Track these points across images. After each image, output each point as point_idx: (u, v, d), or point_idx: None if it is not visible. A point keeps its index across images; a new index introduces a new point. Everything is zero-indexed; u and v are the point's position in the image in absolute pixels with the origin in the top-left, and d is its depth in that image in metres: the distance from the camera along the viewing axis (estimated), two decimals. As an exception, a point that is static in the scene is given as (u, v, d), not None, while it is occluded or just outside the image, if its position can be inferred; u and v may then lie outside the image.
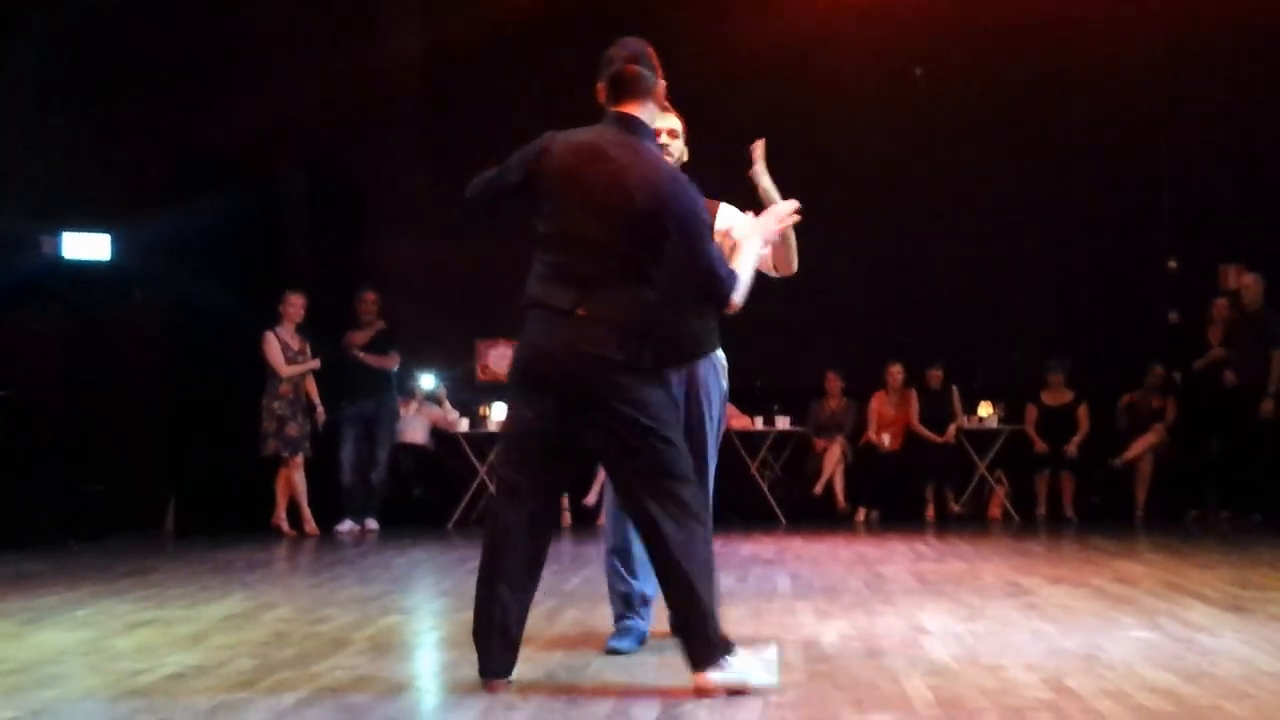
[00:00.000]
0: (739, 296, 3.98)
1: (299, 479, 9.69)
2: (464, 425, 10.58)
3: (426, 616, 5.71)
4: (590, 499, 10.01)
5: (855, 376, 10.98)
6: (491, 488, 10.33)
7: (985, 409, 10.91)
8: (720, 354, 4.69)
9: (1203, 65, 11.00)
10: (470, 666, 4.04)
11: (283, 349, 9.66)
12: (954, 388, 10.89)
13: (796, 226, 4.35)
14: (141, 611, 5.61)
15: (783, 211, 4.22)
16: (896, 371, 10.84)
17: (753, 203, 4.49)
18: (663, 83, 4.10)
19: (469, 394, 11.04)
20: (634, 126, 4.00)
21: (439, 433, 10.79)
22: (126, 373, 9.87)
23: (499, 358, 11.42)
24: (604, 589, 4.75)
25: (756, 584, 6.35)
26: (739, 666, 3.83)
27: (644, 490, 3.87)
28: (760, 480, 10.72)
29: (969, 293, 11.07)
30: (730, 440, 10.18)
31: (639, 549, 4.62)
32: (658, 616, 4.73)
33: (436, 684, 4.24)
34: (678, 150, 4.56)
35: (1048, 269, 11.19)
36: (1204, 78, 11.02)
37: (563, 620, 5.24)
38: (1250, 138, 10.86)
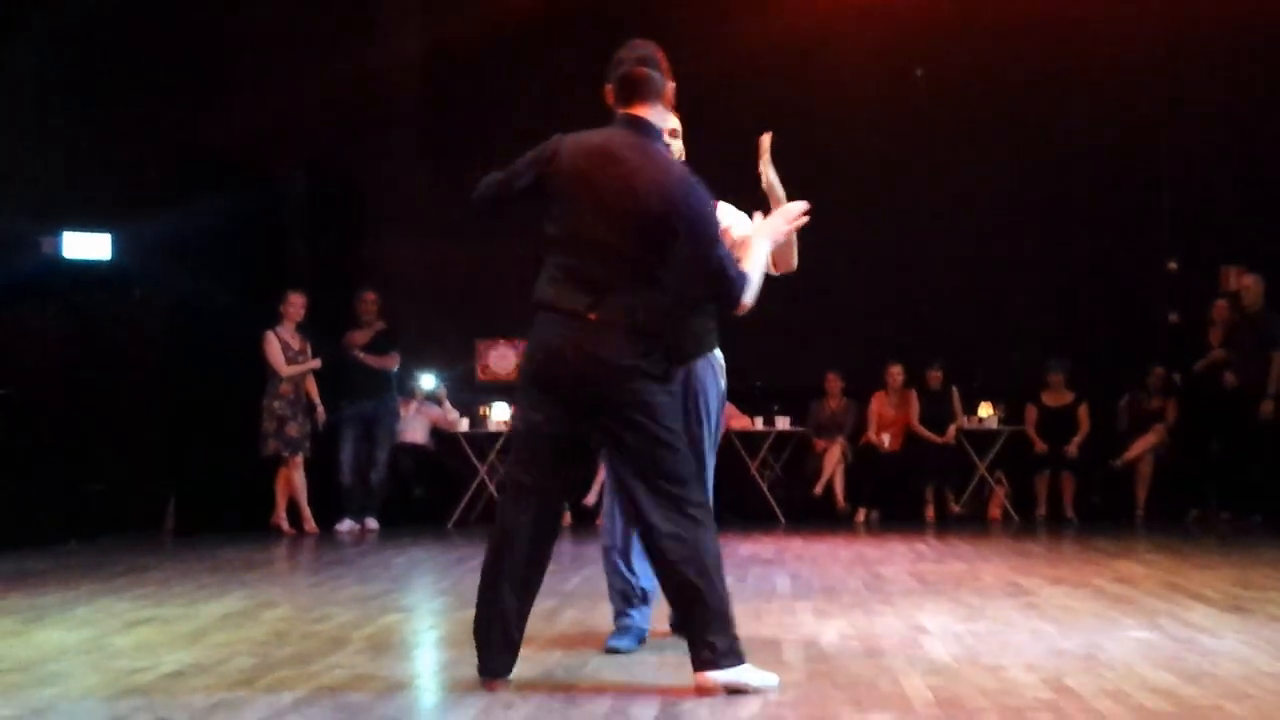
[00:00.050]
0: (749, 297, 3.98)
1: (299, 478, 9.69)
2: (464, 425, 10.58)
3: (426, 615, 5.71)
4: (590, 499, 10.01)
5: (855, 377, 10.97)
6: (491, 487, 10.38)
7: (985, 409, 10.91)
8: (718, 353, 4.69)
9: (1203, 65, 11.00)
10: (469, 665, 4.04)
11: (283, 349, 9.66)
12: (954, 388, 10.89)
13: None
14: (141, 610, 5.61)
15: (793, 212, 4.22)
16: (896, 372, 10.84)
17: (752, 202, 4.48)
18: (672, 84, 4.10)
19: (469, 394, 11.04)
20: (644, 129, 3.99)
21: (439, 432, 10.79)
22: (127, 372, 9.86)
23: (499, 358, 11.43)
24: (603, 588, 4.75)
25: (756, 584, 6.35)
26: (740, 667, 3.83)
27: (650, 494, 3.88)
28: (760, 480, 10.72)
29: (969, 293, 11.07)
30: (730, 440, 10.18)
31: (637, 546, 4.63)
32: (656, 616, 4.73)
33: (435, 683, 4.24)
34: (677, 150, 4.56)
35: (1048, 269, 11.19)
36: (1204, 78, 11.02)
37: (562, 619, 5.24)
38: (1250, 138, 10.86)
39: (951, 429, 10.78)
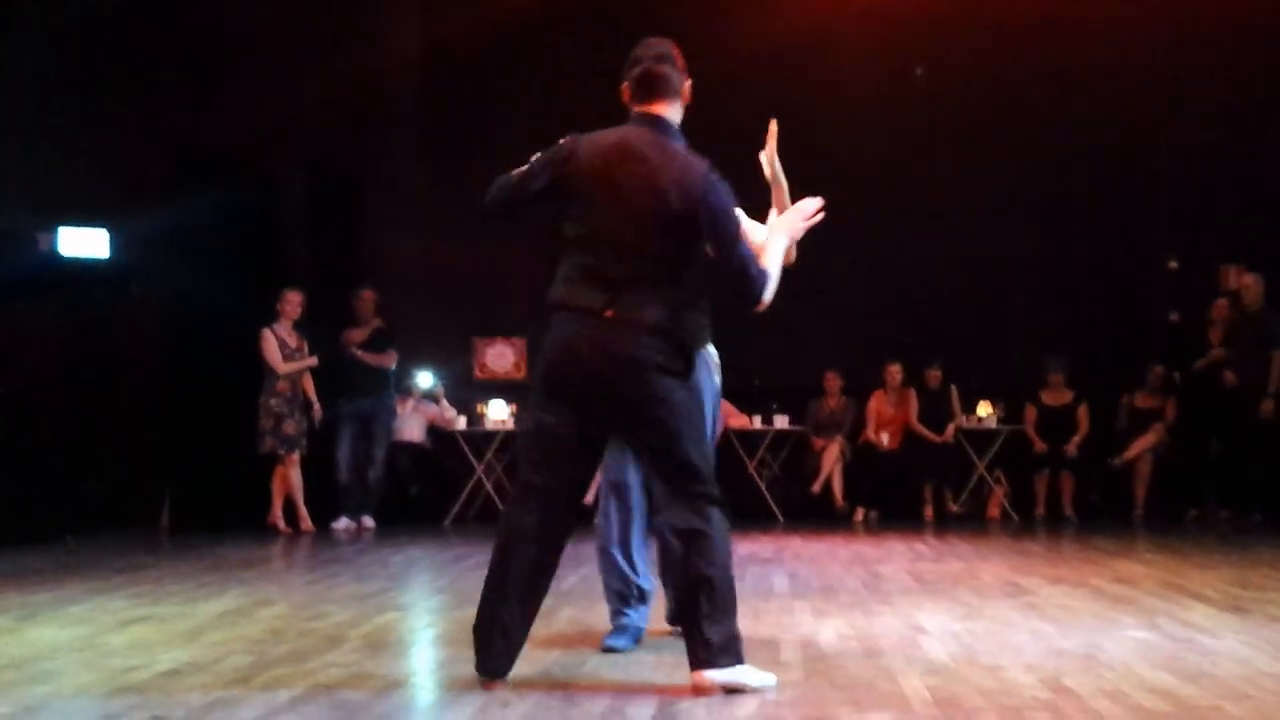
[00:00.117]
0: (769, 295, 3.97)
1: (295, 476, 9.67)
2: (461, 423, 10.57)
3: (423, 614, 5.70)
4: (589, 498, 9.98)
5: (854, 376, 10.97)
6: (488, 486, 10.38)
7: (984, 408, 10.90)
8: (712, 350, 4.68)
9: (1203, 65, 10.99)
10: (466, 663, 4.03)
11: (280, 346, 9.65)
12: (953, 387, 10.88)
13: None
14: (136, 608, 5.59)
15: (809, 209, 4.20)
16: (895, 371, 10.83)
17: (752, 199, 4.46)
18: (689, 83, 4.08)
19: (466, 392, 11.04)
20: (662, 127, 3.98)
21: (436, 431, 10.78)
22: (124, 370, 9.85)
23: (496, 356, 11.42)
24: (600, 587, 4.73)
25: (754, 583, 6.34)
26: (738, 667, 3.82)
27: (667, 490, 3.87)
28: (758, 479, 10.71)
29: (968, 292, 11.06)
30: (729, 439, 10.17)
31: (637, 544, 4.62)
32: (654, 615, 4.72)
33: (432, 681, 4.23)
34: None
35: (1047, 269, 11.18)
36: (1204, 78, 11.01)
37: (559, 618, 5.22)
38: (1250, 137, 10.85)
39: (950, 428, 10.77)
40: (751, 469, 10.69)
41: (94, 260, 9.47)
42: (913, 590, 6.12)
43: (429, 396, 10.80)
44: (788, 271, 4.66)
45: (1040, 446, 10.68)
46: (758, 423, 10.80)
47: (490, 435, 10.43)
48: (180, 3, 10.09)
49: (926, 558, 7.64)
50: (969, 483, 10.87)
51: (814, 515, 10.57)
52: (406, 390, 10.68)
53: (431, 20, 11.13)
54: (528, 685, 3.92)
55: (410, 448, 10.62)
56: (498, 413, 10.45)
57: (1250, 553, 7.73)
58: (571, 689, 3.92)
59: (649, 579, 4.67)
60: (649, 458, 3.92)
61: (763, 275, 3.95)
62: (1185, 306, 10.96)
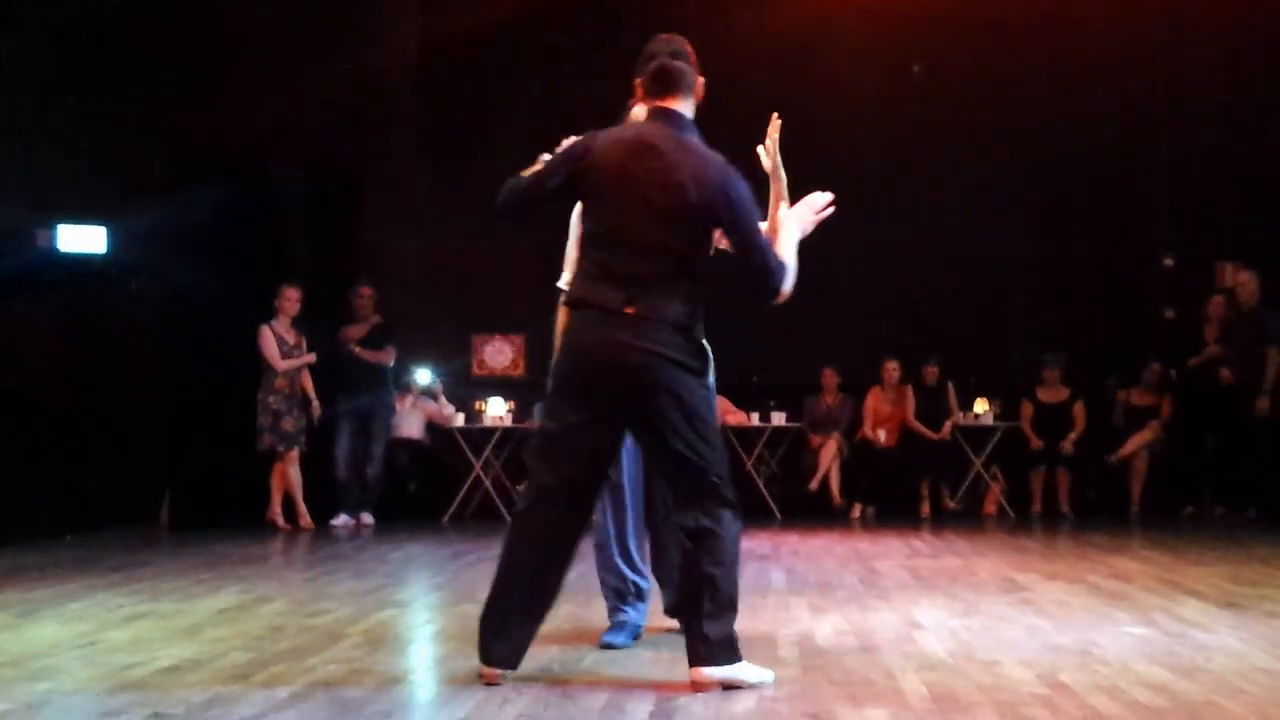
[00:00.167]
0: (789, 286, 3.98)
1: (294, 473, 9.68)
2: (459, 420, 10.57)
3: (421, 610, 5.71)
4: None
5: (851, 372, 10.97)
6: (487, 483, 10.38)
7: (981, 405, 10.91)
8: (705, 345, 4.67)
9: (1203, 65, 10.99)
10: (465, 660, 4.04)
11: (278, 343, 9.65)
12: (950, 384, 10.89)
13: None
14: (136, 605, 5.60)
15: (819, 203, 4.21)
16: (893, 368, 10.84)
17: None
18: (702, 79, 4.09)
19: (465, 389, 11.03)
20: (678, 121, 3.99)
21: (435, 427, 10.78)
22: (122, 366, 9.84)
23: (494, 353, 11.42)
24: (598, 584, 4.74)
25: (752, 579, 6.35)
26: (736, 664, 3.84)
27: (681, 487, 3.88)
28: (756, 476, 10.72)
29: (966, 289, 11.06)
30: (726, 436, 10.16)
31: (634, 541, 4.63)
32: (652, 612, 4.73)
33: (431, 677, 4.24)
34: None
35: (1045, 267, 11.18)
36: (1204, 78, 11.01)
37: (557, 615, 5.19)
38: (1250, 138, 10.85)
39: (947, 425, 10.78)
40: (749, 466, 10.70)
41: (93, 257, 9.47)
42: (909, 586, 6.13)
43: (427, 393, 10.80)
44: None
45: (1037, 443, 10.69)
46: (755, 419, 10.81)
47: (489, 432, 10.44)
48: (179, 1, 10.08)
49: (923, 554, 7.66)
50: (966, 479, 10.88)
51: (811, 512, 10.58)
52: (405, 387, 10.69)
53: (431, 19, 11.12)
54: (526, 682, 3.93)
55: (409, 444, 10.62)
56: (496, 409, 10.45)
57: (1245, 549, 7.76)
58: (570, 685, 3.93)
59: (646, 576, 4.68)
60: (662, 456, 3.91)
61: (782, 267, 3.96)
62: (1182, 304, 10.97)
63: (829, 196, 4.22)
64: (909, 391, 10.87)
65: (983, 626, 4.93)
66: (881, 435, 10.80)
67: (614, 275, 3.86)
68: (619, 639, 4.56)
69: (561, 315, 4.55)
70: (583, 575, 6.37)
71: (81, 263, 9.40)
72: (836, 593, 5.93)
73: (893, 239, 11.06)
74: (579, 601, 5.56)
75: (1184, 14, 10.97)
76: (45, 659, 4.40)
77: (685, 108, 4.03)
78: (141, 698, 3.76)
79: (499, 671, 3.90)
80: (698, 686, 3.82)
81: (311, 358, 9.78)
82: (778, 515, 10.46)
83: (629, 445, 4.35)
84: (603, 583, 4.66)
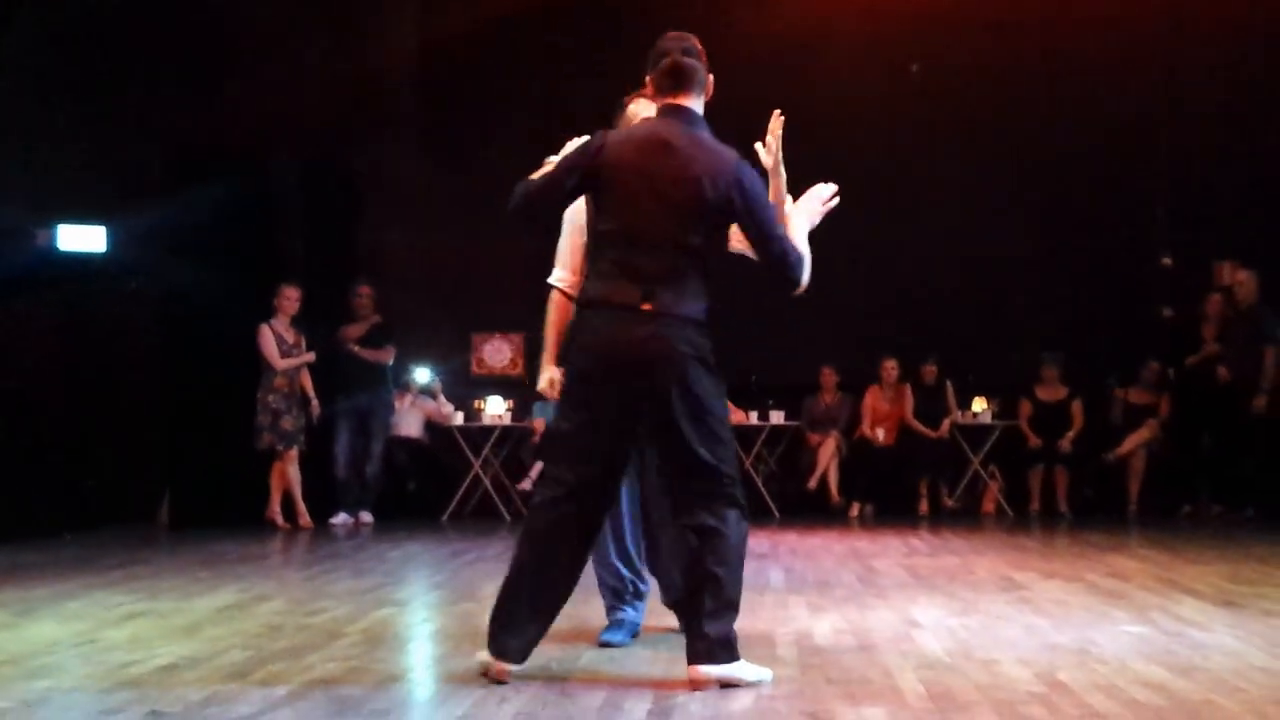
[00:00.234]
0: (807, 277, 3.99)
1: (293, 472, 9.68)
2: (458, 419, 10.57)
3: (420, 609, 5.71)
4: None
5: (850, 371, 10.97)
6: (486, 482, 10.39)
7: (979, 404, 10.91)
8: None
9: (1203, 65, 10.99)
10: (463, 658, 4.05)
11: (277, 342, 9.66)
12: (948, 383, 10.90)
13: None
14: (134, 603, 5.60)
15: (824, 194, 4.22)
16: (891, 366, 10.85)
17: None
18: (711, 76, 4.10)
19: (464, 388, 11.03)
20: (689, 118, 4.00)
21: (434, 426, 10.78)
22: (121, 365, 9.84)
23: (493, 351, 11.42)
24: (596, 583, 4.75)
25: (750, 578, 6.28)
26: (734, 663, 3.84)
27: (691, 484, 3.88)
28: (755, 475, 10.72)
29: (964, 288, 11.05)
30: (725, 435, 10.16)
31: (632, 540, 4.64)
32: (650, 611, 4.74)
33: (430, 676, 4.25)
34: None
35: (1043, 265, 11.17)
36: (1204, 78, 11.01)
37: (556, 613, 5.24)
38: (1248, 137, 10.85)
39: (945, 423, 10.79)
40: (748, 465, 10.70)
41: (92, 257, 9.47)
42: (908, 585, 6.14)
43: (426, 392, 10.81)
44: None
45: (1035, 442, 10.70)
46: (754, 418, 10.81)
47: (488, 431, 10.44)
48: (179, 1, 10.07)
49: (921, 553, 7.66)
50: (964, 478, 10.89)
51: (809, 510, 10.59)
52: (404, 386, 10.69)
53: (431, 18, 11.12)
54: (525, 680, 3.93)
55: (408, 443, 10.62)
56: (495, 408, 10.46)
57: (1242, 548, 7.76)
58: (568, 683, 3.94)
59: (644, 575, 4.69)
60: (676, 454, 3.89)
61: (800, 258, 3.98)
62: (1180, 303, 10.97)
63: (833, 187, 4.23)
64: (907, 390, 10.88)
65: (981, 625, 4.94)
66: (880, 434, 10.80)
67: (630, 272, 3.87)
68: (617, 637, 4.56)
69: (553, 310, 4.56)
70: (581, 574, 6.39)
71: (81, 262, 9.40)
72: (834, 591, 5.93)
73: (891, 238, 11.06)
74: (577, 600, 5.52)
75: (1184, 14, 10.96)
76: (44, 657, 4.41)
77: (696, 104, 4.04)
78: (139, 696, 3.77)
79: (509, 667, 3.90)
80: (696, 685, 3.82)
81: (311, 357, 9.79)
82: (776, 514, 10.46)
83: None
84: (600, 581, 4.66)
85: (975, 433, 10.87)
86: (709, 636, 3.82)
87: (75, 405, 9.39)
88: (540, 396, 4.66)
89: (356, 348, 10.09)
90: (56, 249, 9.35)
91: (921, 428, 10.77)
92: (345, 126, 10.65)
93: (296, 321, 9.79)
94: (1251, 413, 9.86)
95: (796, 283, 3.99)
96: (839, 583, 6.25)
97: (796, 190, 4.31)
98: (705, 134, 4.00)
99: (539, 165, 4.20)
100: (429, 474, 10.74)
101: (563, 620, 4.99)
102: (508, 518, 10.13)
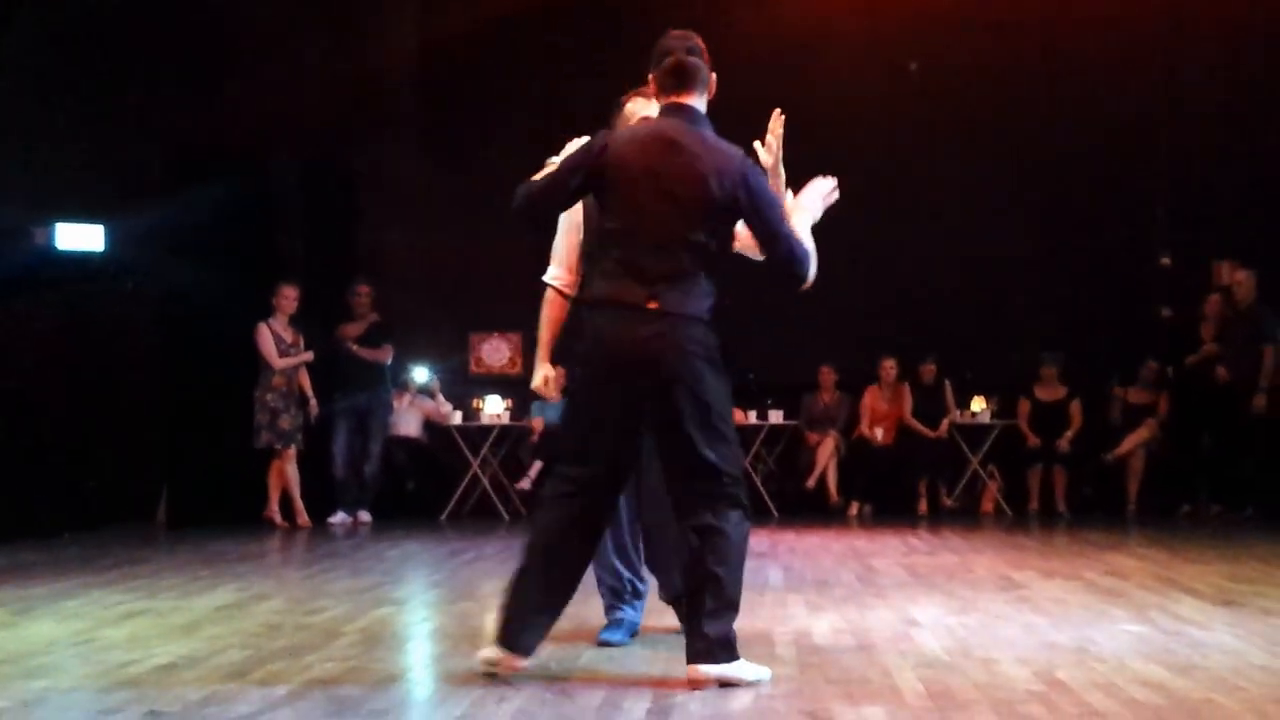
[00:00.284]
0: (813, 273, 3.99)
1: (292, 471, 9.68)
2: (457, 418, 10.57)
3: (419, 608, 5.71)
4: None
5: (848, 371, 10.97)
6: (485, 481, 10.39)
7: (978, 403, 10.91)
8: None
9: (1203, 65, 10.99)
10: (462, 658, 4.05)
11: (276, 341, 9.66)
12: (947, 382, 10.90)
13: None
14: (133, 602, 5.60)
15: (824, 188, 4.22)
16: (890, 366, 10.85)
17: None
18: (714, 75, 4.11)
19: (462, 387, 11.03)
20: (693, 116, 4.01)
21: (432, 426, 10.78)
22: (120, 365, 9.83)
23: (492, 351, 11.43)
24: (595, 582, 4.75)
25: (749, 577, 6.25)
26: (733, 662, 3.84)
27: (695, 483, 3.88)
28: (753, 474, 10.71)
29: (963, 288, 11.05)
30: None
31: (631, 539, 4.64)
32: (649, 610, 4.74)
33: (428, 675, 4.25)
34: None
35: (1043, 265, 11.17)
36: (1204, 78, 11.01)
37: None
38: (1248, 137, 10.85)
39: (944, 423, 10.79)
40: (746, 464, 10.70)
41: (91, 256, 9.47)
42: (906, 584, 6.14)
43: (425, 391, 10.81)
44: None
45: (1033, 441, 10.70)
46: (753, 418, 10.81)
47: (486, 430, 10.44)
48: (178, 1, 10.07)
49: (920, 552, 7.66)
50: (963, 477, 10.89)
51: (808, 510, 10.58)
52: (402, 385, 10.69)
53: (431, 18, 11.12)
54: (523, 679, 3.93)
55: (406, 442, 10.62)
56: (493, 407, 10.46)
57: (1241, 547, 7.76)
58: (567, 682, 3.94)
59: (643, 575, 4.69)
60: (680, 454, 3.89)
61: (807, 254, 3.99)
62: (1179, 303, 10.97)
63: (833, 181, 4.23)
64: (906, 389, 10.88)
65: (980, 624, 4.94)
66: (879, 433, 10.80)
67: (635, 271, 3.87)
68: (616, 636, 4.56)
69: (548, 308, 4.55)
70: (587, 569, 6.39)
71: (80, 261, 9.39)
72: (833, 590, 5.93)
73: (891, 237, 11.06)
74: (576, 599, 5.52)
75: (1184, 14, 10.96)
76: (42, 656, 4.41)
77: (700, 103, 4.05)
78: (138, 695, 3.76)
79: (519, 661, 3.90)
80: (695, 684, 3.82)
81: (309, 356, 9.79)
82: (775, 513, 10.46)
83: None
84: (600, 581, 4.66)
85: (974, 432, 10.87)
86: (709, 636, 3.82)
87: (74, 405, 9.38)
88: (537, 395, 4.67)
89: (355, 347, 10.08)
90: (55, 248, 9.34)
91: (920, 427, 10.77)
92: (345, 126, 10.66)
93: (295, 320, 9.79)
94: (1250, 412, 9.86)
95: (803, 279, 3.99)
96: (838, 582, 6.25)
97: (795, 189, 4.31)
98: (710, 132, 4.01)
99: (539, 165, 4.21)
100: (427, 473, 10.74)
101: (562, 620, 4.99)
102: (506, 517, 10.13)
